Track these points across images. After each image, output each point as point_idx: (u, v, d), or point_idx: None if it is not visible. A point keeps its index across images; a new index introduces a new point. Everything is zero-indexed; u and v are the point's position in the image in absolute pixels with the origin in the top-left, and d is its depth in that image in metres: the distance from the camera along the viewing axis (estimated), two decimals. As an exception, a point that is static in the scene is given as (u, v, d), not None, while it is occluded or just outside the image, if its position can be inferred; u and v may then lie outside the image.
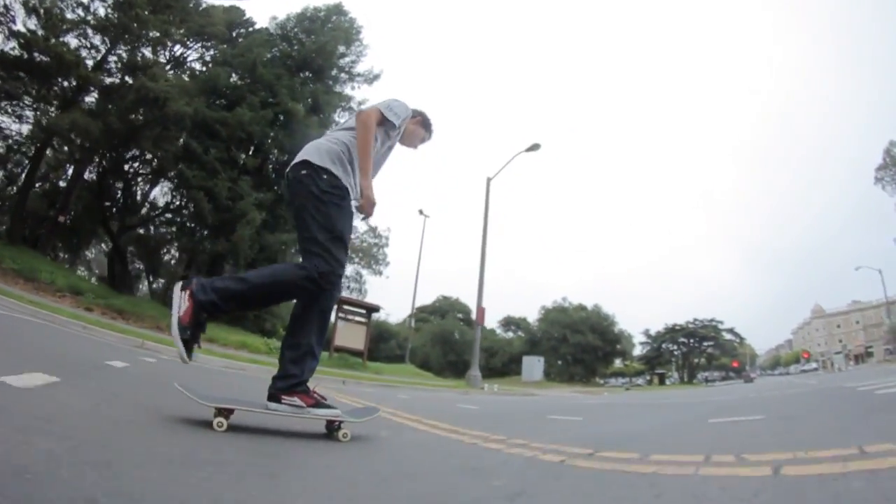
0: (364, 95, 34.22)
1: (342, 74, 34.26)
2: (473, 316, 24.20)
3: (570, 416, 6.85)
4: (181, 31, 28.37)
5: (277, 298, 3.00)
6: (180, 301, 2.63)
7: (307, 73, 31.55)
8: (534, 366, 52.24)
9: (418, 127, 3.58)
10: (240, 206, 25.95)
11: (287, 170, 3.08)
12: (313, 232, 2.87)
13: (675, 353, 79.21)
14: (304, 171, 2.95)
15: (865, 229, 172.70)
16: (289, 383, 2.89)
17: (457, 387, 18.77)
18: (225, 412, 2.65)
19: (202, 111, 26.65)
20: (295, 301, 3.04)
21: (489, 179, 23.15)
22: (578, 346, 71.92)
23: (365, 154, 3.03)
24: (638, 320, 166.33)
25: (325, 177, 2.92)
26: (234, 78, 30.58)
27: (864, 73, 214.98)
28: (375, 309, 25.05)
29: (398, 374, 24.18)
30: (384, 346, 57.12)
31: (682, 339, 77.06)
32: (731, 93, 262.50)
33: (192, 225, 28.66)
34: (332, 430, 3.01)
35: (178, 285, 2.69)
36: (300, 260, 2.98)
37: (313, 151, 3.01)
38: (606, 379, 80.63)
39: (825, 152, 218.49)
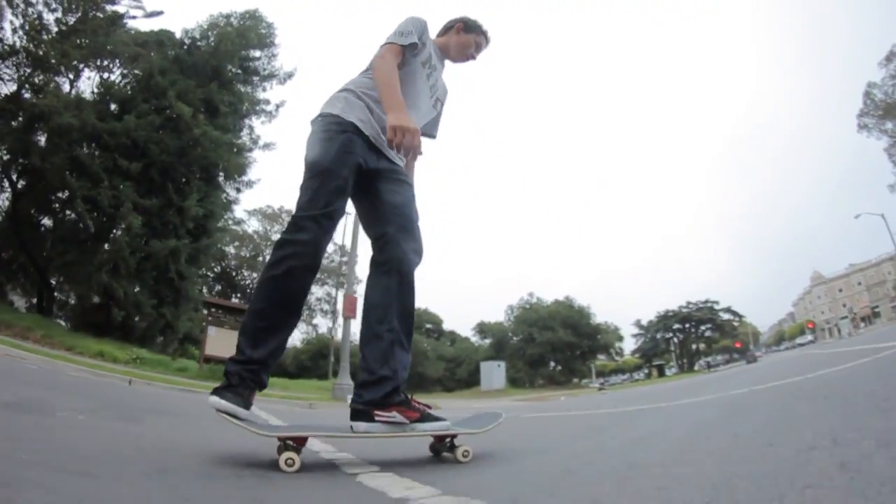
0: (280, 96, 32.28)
1: (253, 77, 32.40)
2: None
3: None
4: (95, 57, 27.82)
5: (278, 289, 2.30)
6: None
7: (205, 77, 29.54)
8: (493, 372, 46.93)
9: (463, 34, 2.98)
10: (120, 213, 23.98)
11: None
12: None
13: (672, 341, 74.87)
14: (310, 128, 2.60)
15: (854, 193, 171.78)
16: (383, 390, 2.26)
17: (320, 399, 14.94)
18: (295, 444, 2.03)
19: (91, 122, 24.98)
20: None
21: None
22: (548, 344, 66.52)
23: (385, 85, 2.48)
24: (632, 314, 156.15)
25: (318, 120, 2.57)
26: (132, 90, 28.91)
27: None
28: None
29: (287, 388, 20.42)
30: (323, 362, 51.38)
31: (676, 326, 72.72)
32: (711, 82, 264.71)
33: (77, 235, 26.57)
34: (440, 449, 2.42)
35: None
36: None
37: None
38: (603, 378, 77.31)
39: (808, 128, 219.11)
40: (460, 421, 2.61)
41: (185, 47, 30.47)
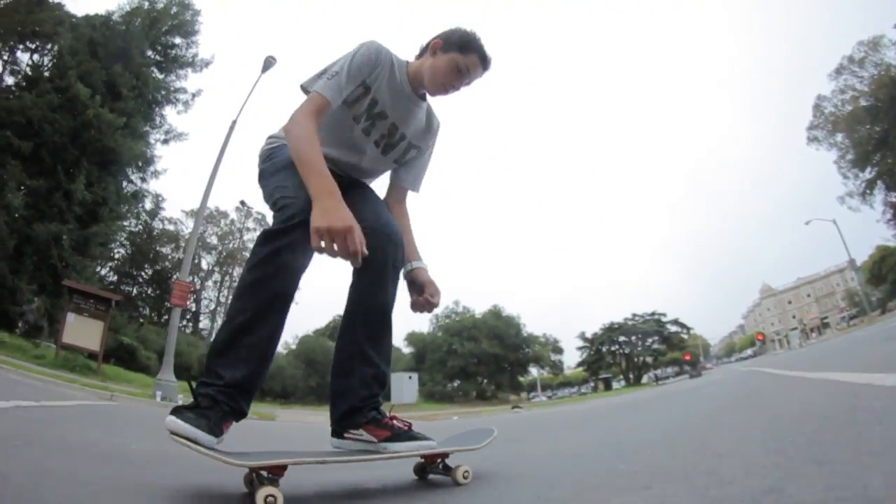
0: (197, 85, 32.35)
1: (172, 64, 32.15)
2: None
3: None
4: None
5: (255, 287, 1.83)
6: None
7: (112, 60, 28.99)
8: (403, 384, 41.56)
9: (439, 55, 2.14)
10: (6, 194, 22.97)
11: None
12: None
13: (618, 353, 74.01)
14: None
15: (804, 205, 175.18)
16: (339, 410, 2.07)
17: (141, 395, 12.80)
18: (270, 476, 1.59)
19: None
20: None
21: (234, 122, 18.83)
22: (471, 355, 62.29)
23: (303, 165, 1.84)
24: (578, 327, 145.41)
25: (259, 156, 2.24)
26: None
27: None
28: (117, 301, 21.03)
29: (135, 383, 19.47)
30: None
31: (622, 339, 72.19)
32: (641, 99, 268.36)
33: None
34: (430, 470, 2.12)
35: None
36: None
37: None
38: (551, 391, 76.71)
39: (757, 140, 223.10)
40: (450, 438, 2.44)
41: (100, 28, 29.74)
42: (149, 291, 50.68)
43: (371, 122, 2.18)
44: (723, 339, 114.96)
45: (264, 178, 2.14)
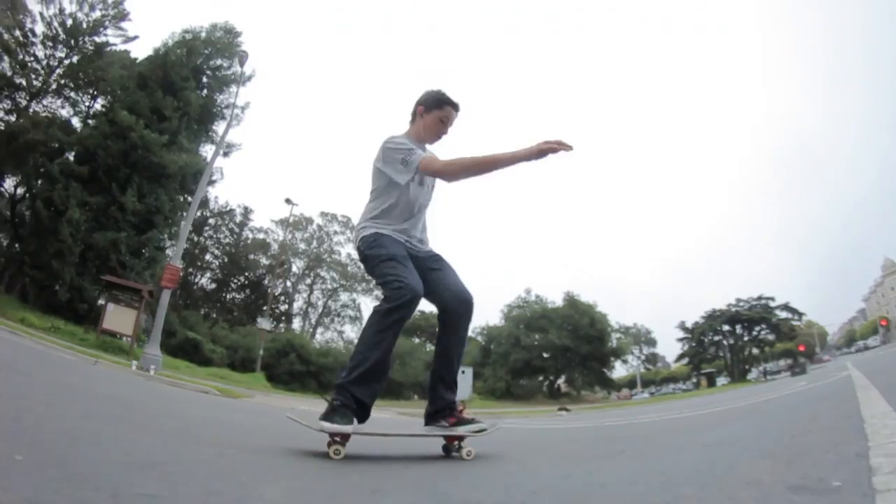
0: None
1: (216, 83, 35.55)
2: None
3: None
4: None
5: (380, 343, 3.01)
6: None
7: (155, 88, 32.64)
8: None
9: (426, 116, 3.35)
10: (69, 211, 26.90)
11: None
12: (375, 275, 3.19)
13: (721, 345, 66.07)
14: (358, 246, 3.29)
15: None
16: (433, 408, 3.22)
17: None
18: (339, 440, 2.80)
19: (56, 135, 28.88)
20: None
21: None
22: (537, 348, 57.46)
23: (485, 166, 3.02)
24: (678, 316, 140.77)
25: (360, 240, 3.26)
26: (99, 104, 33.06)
27: None
28: (150, 292, 23.53)
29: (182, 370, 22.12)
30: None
31: (726, 328, 64.22)
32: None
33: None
34: (447, 450, 3.20)
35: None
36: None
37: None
38: (654, 388, 72.24)
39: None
40: (468, 427, 3.31)
41: (145, 63, 33.65)
42: (240, 297, 55.06)
43: (421, 177, 3.27)
44: (842, 325, 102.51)
45: (372, 262, 3.16)
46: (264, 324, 34.06)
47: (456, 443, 3.09)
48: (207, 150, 35.27)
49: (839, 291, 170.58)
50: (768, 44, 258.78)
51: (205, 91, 34.72)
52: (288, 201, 40.66)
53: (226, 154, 36.83)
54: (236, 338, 40.30)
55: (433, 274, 3.26)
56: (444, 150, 3.41)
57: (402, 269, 3.02)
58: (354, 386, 2.89)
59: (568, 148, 2.86)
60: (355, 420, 2.86)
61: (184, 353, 31.23)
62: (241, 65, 21.11)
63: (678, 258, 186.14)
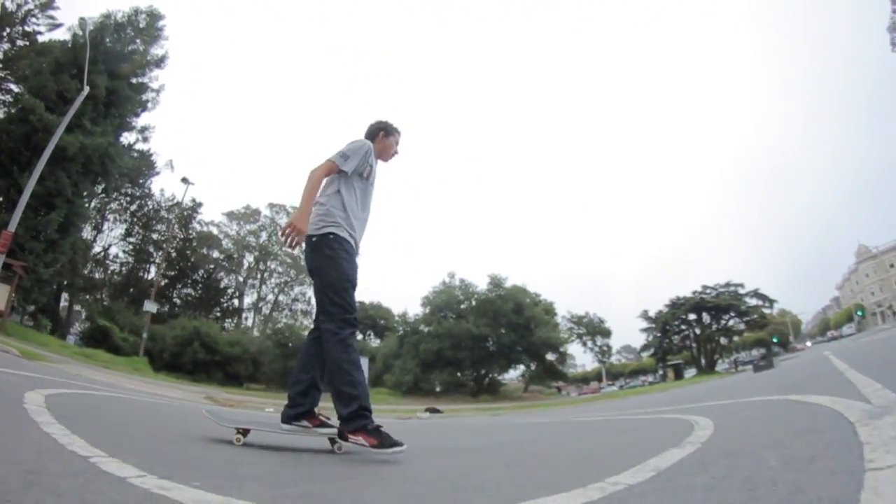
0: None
1: (124, 65, 34.63)
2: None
3: None
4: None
5: (344, 370, 3.38)
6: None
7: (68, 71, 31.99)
8: None
9: (385, 139, 4.05)
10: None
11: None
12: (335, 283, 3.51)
13: (687, 335, 63.00)
14: (313, 240, 3.54)
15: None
16: (298, 412, 3.58)
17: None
18: (242, 431, 3.47)
19: None
20: (304, 345, 3.73)
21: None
22: (449, 337, 49.81)
23: (306, 192, 3.49)
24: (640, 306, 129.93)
25: (335, 239, 3.55)
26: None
27: None
28: (24, 268, 23.03)
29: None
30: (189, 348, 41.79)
31: (692, 317, 61.38)
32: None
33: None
34: (333, 443, 3.60)
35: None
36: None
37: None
38: (624, 380, 70.95)
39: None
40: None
41: (59, 49, 32.79)
42: (192, 293, 54.17)
43: (372, 182, 3.85)
44: (816, 314, 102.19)
45: (337, 263, 3.48)
46: (149, 306, 32.73)
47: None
48: (126, 138, 34.91)
49: (812, 280, 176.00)
50: (741, 46, 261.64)
51: (114, 75, 33.90)
52: (185, 181, 39.59)
53: (145, 139, 36.61)
54: (164, 330, 39.28)
55: None
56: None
57: (353, 298, 3.54)
58: (368, 405, 3.35)
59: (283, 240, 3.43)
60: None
61: (94, 341, 30.66)
62: (84, 29, 20.49)
63: (660, 250, 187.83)
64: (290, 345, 43.13)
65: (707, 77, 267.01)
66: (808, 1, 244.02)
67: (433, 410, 22.61)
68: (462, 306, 53.61)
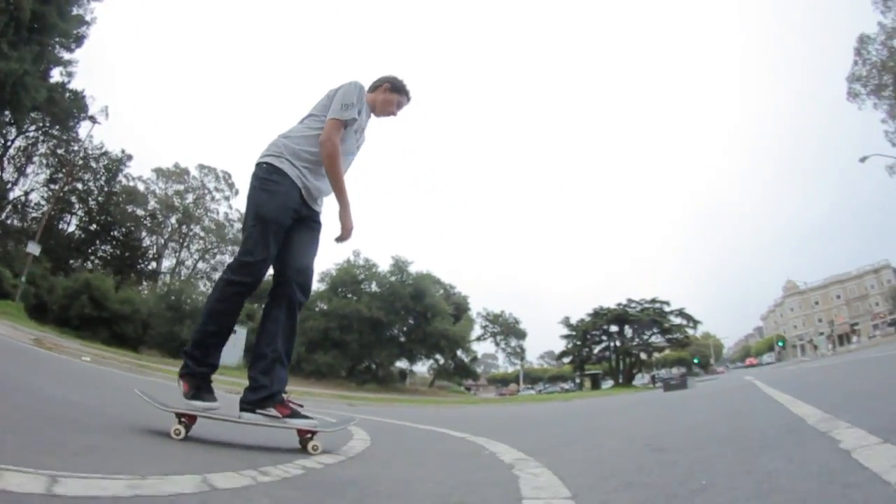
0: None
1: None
2: None
3: None
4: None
5: (223, 318, 3.01)
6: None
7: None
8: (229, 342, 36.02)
9: (389, 93, 3.54)
10: None
11: None
12: (246, 221, 3.12)
13: (607, 345, 63.11)
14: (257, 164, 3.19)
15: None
16: (259, 395, 2.95)
17: None
18: (187, 420, 2.77)
19: None
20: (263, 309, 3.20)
21: None
22: (339, 317, 45.69)
23: (338, 186, 3.23)
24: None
25: (264, 168, 3.14)
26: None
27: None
28: None
29: None
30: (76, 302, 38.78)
31: (614, 329, 61.63)
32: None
33: None
34: (304, 442, 2.90)
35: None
36: None
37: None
38: (542, 385, 70.59)
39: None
40: (324, 422, 3.26)
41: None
42: (112, 250, 52.64)
43: (359, 131, 3.44)
44: (738, 341, 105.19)
45: (249, 201, 3.13)
46: (32, 248, 31.58)
47: (308, 435, 2.90)
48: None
49: (738, 307, 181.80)
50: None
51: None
52: (92, 119, 39.08)
53: (69, 74, 36.34)
54: (57, 281, 37.96)
55: (295, 237, 3.22)
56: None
57: (265, 240, 3.00)
58: (202, 351, 2.95)
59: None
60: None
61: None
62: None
63: (596, 263, 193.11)
64: (187, 307, 41.58)
65: (661, 104, 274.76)
66: (768, 43, 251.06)
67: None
68: (363, 286, 50.48)
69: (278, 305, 3.10)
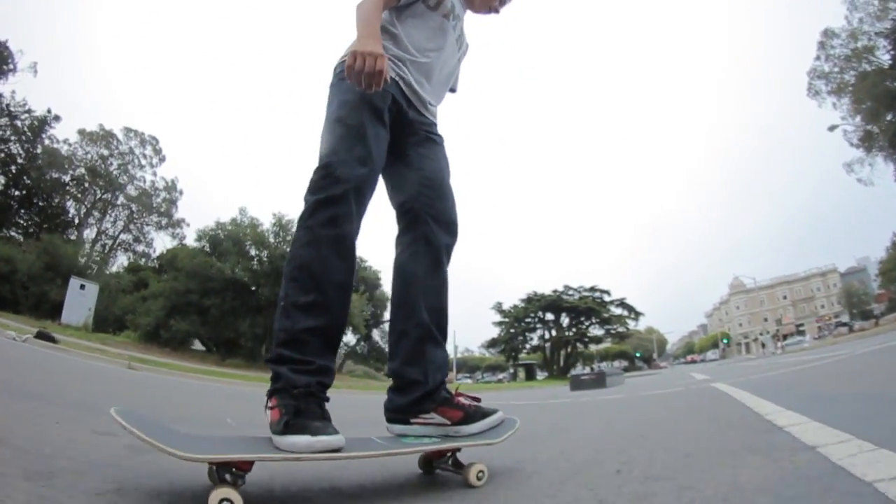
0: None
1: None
2: None
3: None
4: None
5: (324, 276, 1.77)
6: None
7: None
8: (73, 297, 33.18)
9: None
10: None
11: None
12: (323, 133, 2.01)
13: (542, 334, 60.61)
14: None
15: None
16: (411, 396, 1.95)
17: None
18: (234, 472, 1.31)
19: None
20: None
21: None
22: (203, 280, 36.58)
23: (363, 19, 1.96)
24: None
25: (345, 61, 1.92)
26: None
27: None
28: None
29: None
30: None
31: (549, 317, 59.06)
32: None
33: None
34: (436, 465, 1.91)
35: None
36: None
37: None
38: (481, 374, 69.32)
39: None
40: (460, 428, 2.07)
41: None
42: (29, 217, 51.53)
43: (456, 21, 2.33)
44: (682, 337, 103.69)
45: (335, 94, 2.07)
46: None
47: (448, 455, 1.86)
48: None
49: (683, 303, 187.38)
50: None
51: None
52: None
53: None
54: None
55: (412, 153, 2.18)
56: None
57: (349, 141, 1.91)
58: (303, 347, 1.70)
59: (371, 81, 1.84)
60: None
61: None
62: None
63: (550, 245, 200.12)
64: (64, 265, 38.85)
65: (632, 101, 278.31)
66: (732, 40, 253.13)
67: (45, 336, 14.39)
68: (247, 247, 40.66)
69: (412, 256, 2.09)
